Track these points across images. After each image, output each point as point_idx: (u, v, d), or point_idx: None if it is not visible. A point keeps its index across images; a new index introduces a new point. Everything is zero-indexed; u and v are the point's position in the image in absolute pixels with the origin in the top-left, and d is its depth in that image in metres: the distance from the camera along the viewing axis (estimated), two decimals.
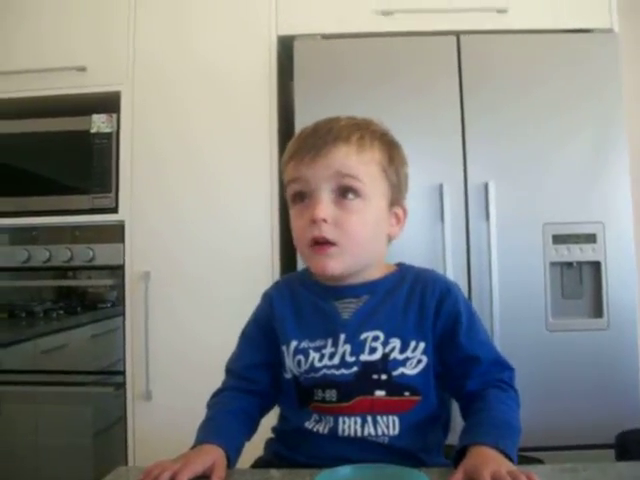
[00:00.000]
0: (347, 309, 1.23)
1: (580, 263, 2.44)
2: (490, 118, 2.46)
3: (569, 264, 2.44)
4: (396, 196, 1.24)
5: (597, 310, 2.43)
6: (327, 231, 1.16)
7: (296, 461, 1.18)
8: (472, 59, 2.48)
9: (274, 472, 1.09)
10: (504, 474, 0.92)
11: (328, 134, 1.17)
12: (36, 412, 2.66)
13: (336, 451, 1.14)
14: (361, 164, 1.17)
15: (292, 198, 1.23)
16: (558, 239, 2.41)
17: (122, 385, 2.60)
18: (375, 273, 1.26)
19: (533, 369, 2.34)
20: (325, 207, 1.15)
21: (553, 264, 2.43)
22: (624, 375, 2.37)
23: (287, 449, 1.24)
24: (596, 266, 2.43)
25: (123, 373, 2.60)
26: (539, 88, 2.46)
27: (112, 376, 2.64)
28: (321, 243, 1.17)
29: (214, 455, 1.07)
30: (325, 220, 1.15)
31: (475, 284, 2.39)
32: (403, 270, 1.30)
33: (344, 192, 1.17)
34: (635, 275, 2.42)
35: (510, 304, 2.38)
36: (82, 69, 2.66)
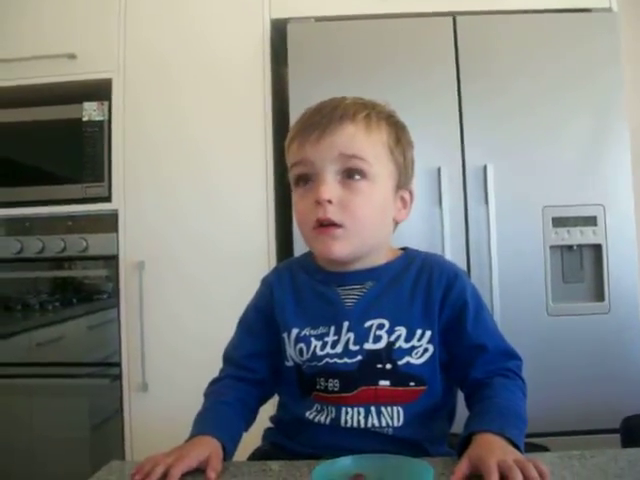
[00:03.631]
0: (350, 296, 1.20)
1: (580, 246, 2.41)
2: (488, 100, 2.43)
3: (569, 247, 2.41)
4: (402, 179, 1.21)
5: (598, 294, 2.41)
6: (332, 212, 1.12)
7: (295, 451, 1.15)
8: (469, 40, 2.45)
9: (271, 464, 1.06)
10: (511, 463, 0.88)
11: (333, 112, 1.14)
12: (32, 405, 2.64)
13: (337, 441, 1.11)
14: (368, 144, 1.14)
15: (295, 181, 1.19)
16: (558, 222, 2.39)
17: (118, 377, 2.58)
18: (380, 258, 1.23)
19: (534, 354, 2.30)
20: (330, 188, 1.12)
21: (553, 247, 2.40)
22: (626, 359, 2.34)
23: (286, 438, 1.21)
24: (597, 249, 2.41)
25: (119, 365, 2.58)
26: (538, 69, 2.43)
27: (108, 368, 2.62)
28: (326, 225, 1.13)
29: (209, 448, 1.04)
30: (330, 201, 1.11)
31: (474, 268, 2.36)
32: (409, 255, 1.27)
33: (350, 173, 1.14)
34: (636, 258, 2.39)
35: (510, 289, 2.35)
36: (72, 56, 2.62)
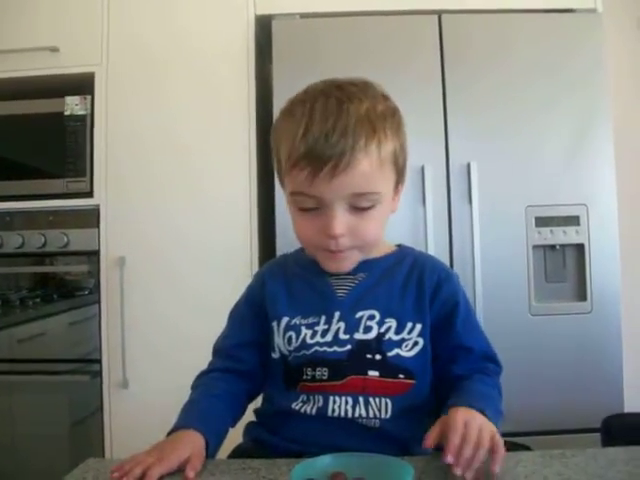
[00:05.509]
0: (342, 287, 1.20)
1: (563, 246, 2.42)
2: (472, 99, 2.42)
3: (552, 247, 2.42)
4: (400, 176, 1.19)
5: (580, 293, 2.41)
6: (344, 243, 1.11)
7: (277, 447, 1.14)
8: (454, 39, 2.44)
9: (251, 462, 1.05)
10: (474, 426, 0.92)
11: (344, 139, 1.04)
12: (12, 402, 2.62)
13: (321, 435, 1.10)
14: (381, 176, 1.10)
15: (299, 209, 1.13)
16: (541, 221, 2.39)
17: (98, 374, 2.56)
18: (373, 252, 1.22)
19: (516, 353, 2.31)
20: (341, 222, 1.08)
21: (536, 247, 2.40)
22: (608, 358, 2.36)
23: (268, 433, 1.19)
24: (579, 249, 2.41)
25: (99, 361, 2.56)
26: (522, 69, 2.43)
27: (88, 364, 2.60)
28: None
29: (191, 447, 1.03)
30: (343, 235, 1.10)
31: (457, 267, 2.36)
32: (403, 251, 1.28)
33: (361, 203, 1.10)
34: (618, 257, 2.40)
35: (493, 288, 2.35)
36: (55, 50, 2.60)
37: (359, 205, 1.09)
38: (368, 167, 1.06)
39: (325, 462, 0.90)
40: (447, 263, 2.35)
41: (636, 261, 2.62)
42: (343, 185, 1.06)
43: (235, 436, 1.22)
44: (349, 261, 1.16)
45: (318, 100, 1.09)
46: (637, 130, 2.78)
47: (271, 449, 1.14)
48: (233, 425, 1.21)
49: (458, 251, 2.38)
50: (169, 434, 1.08)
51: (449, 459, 0.88)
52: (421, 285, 1.20)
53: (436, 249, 2.33)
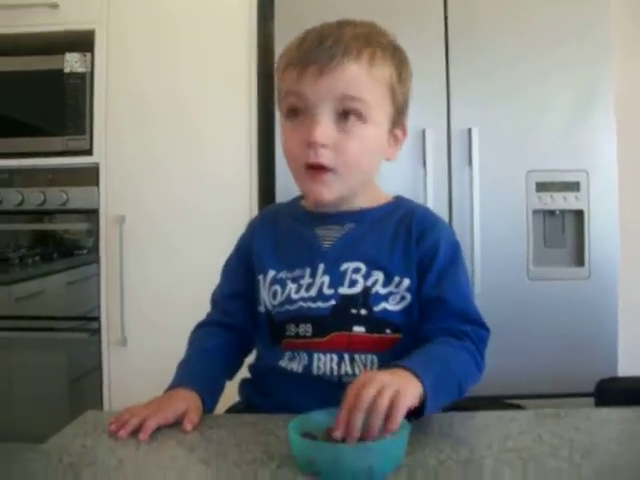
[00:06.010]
0: (329, 237, 1.17)
1: (563, 211, 2.42)
2: (475, 63, 2.40)
3: (552, 212, 2.42)
4: (399, 116, 1.17)
5: (578, 259, 2.42)
6: (325, 156, 1.08)
7: (268, 411, 1.12)
8: (458, 9, 2.41)
9: (248, 417, 1.06)
10: (371, 390, 0.84)
11: (336, 46, 1.06)
12: (11, 359, 2.63)
13: (309, 397, 1.06)
14: (369, 86, 1.09)
15: (287, 112, 1.13)
16: (541, 187, 2.39)
17: (97, 331, 2.57)
18: (366, 201, 1.19)
19: (514, 317, 2.33)
20: (325, 130, 1.07)
21: (536, 212, 2.40)
22: (603, 324, 2.37)
23: (259, 396, 1.19)
24: (579, 215, 2.41)
25: (98, 319, 2.57)
26: (525, 33, 2.40)
27: (87, 322, 2.62)
28: (316, 168, 1.10)
29: (188, 401, 1.04)
30: (323, 145, 1.07)
31: (457, 231, 2.28)
32: (398, 203, 1.24)
33: (346, 114, 1.09)
34: (617, 225, 2.40)
35: (492, 252, 2.36)
36: (54, 6, 2.57)
37: (345, 108, 1.08)
38: (356, 71, 1.07)
39: (320, 417, 0.90)
40: (454, 231, 2.34)
41: (635, 229, 2.62)
42: (329, 84, 1.06)
43: (231, 391, 1.23)
44: (330, 188, 1.11)
45: (319, 25, 1.13)
46: (638, 97, 2.76)
47: (263, 412, 1.13)
48: (230, 378, 1.22)
49: (457, 214, 2.38)
50: (166, 392, 1.09)
51: (336, 434, 0.82)
52: (409, 237, 1.15)
53: (435, 212, 2.32)
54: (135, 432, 0.96)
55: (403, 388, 0.86)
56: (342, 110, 1.08)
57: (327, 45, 1.06)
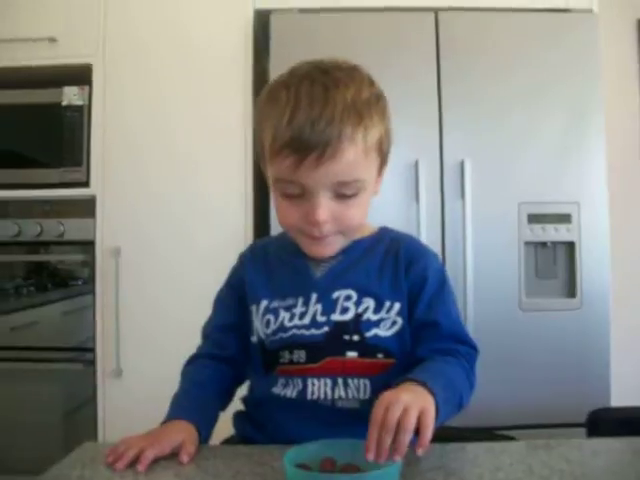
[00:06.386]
0: (320, 267, 1.20)
1: (554, 243, 2.45)
2: (467, 96, 2.44)
3: (543, 244, 2.44)
4: (384, 159, 1.18)
5: (570, 290, 2.44)
6: (328, 229, 1.10)
7: (261, 444, 1.13)
8: (450, 37, 2.46)
9: (243, 448, 1.08)
10: (397, 408, 0.88)
11: (330, 128, 1.02)
12: (5, 389, 2.63)
13: (303, 425, 1.10)
14: (365, 163, 1.09)
15: (283, 195, 1.12)
16: (533, 218, 2.41)
17: (92, 362, 2.58)
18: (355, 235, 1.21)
19: (506, 348, 2.35)
20: (325, 209, 1.08)
21: (527, 243, 2.43)
22: (596, 355, 2.38)
23: (253, 428, 1.20)
24: (570, 246, 2.44)
25: (93, 350, 2.57)
26: (517, 67, 2.45)
27: (82, 353, 2.62)
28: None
29: (184, 433, 1.05)
30: (326, 221, 1.09)
31: (449, 262, 2.38)
32: (383, 233, 1.27)
33: (345, 190, 1.09)
34: (608, 255, 2.43)
35: (484, 283, 2.38)
36: (53, 40, 2.61)
37: (343, 192, 1.08)
38: (353, 156, 1.05)
39: (315, 448, 0.92)
40: (440, 258, 2.36)
41: (625, 260, 2.65)
42: (328, 173, 1.05)
43: (224, 425, 1.24)
44: (332, 246, 1.16)
45: (303, 85, 1.07)
46: (628, 130, 2.81)
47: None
48: (223, 409, 1.23)
49: (450, 247, 2.41)
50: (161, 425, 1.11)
51: (369, 456, 0.86)
52: (397, 264, 1.19)
53: (428, 244, 2.29)
54: (132, 464, 0.97)
55: (425, 404, 0.90)
56: (341, 191, 1.08)
57: (320, 128, 1.02)
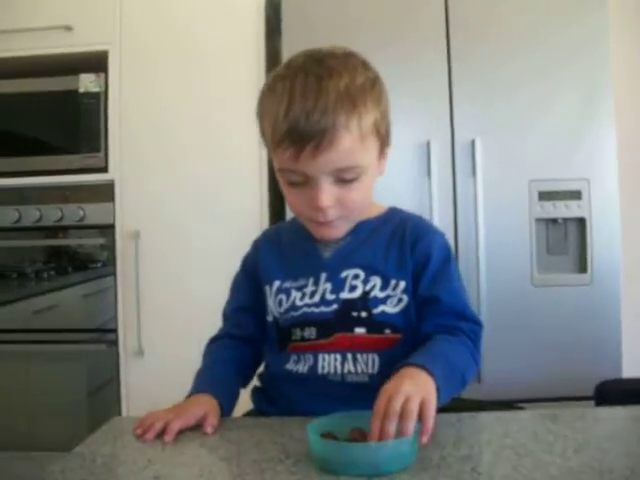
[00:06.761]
0: (329, 248, 1.25)
1: (565, 219, 2.47)
2: (477, 76, 2.46)
3: (554, 220, 2.47)
4: (384, 141, 1.20)
5: (581, 266, 2.47)
6: (332, 214, 1.15)
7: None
8: (460, 15, 2.47)
9: (264, 420, 1.14)
10: (399, 397, 0.90)
11: (324, 118, 1.06)
12: (30, 371, 2.70)
13: (314, 394, 1.15)
14: (362, 149, 1.12)
15: (287, 184, 1.17)
16: (544, 196, 2.44)
17: (114, 342, 2.64)
18: (362, 215, 1.25)
19: (518, 323, 2.39)
20: (328, 194, 1.12)
21: (538, 220, 2.46)
22: (606, 329, 2.41)
23: (267, 402, 1.25)
24: (581, 222, 2.46)
25: (115, 331, 2.64)
26: (527, 46, 2.46)
27: (104, 334, 2.68)
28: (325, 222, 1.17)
29: (207, 405, 1.11)
30: (329, 206, 1.13)
31: (461, 240, 2.42)
32: (391, 213, 1.31)
33: (345, 176, 1.13)
34: (618, 231, 2.45)
35: (496, 260, 2.41)
36: (69, 28, 2.66)
37: (344, 177, 1.12)
38: (350, 143, 1.08)
39: (337, 420, 0.96)
40: (451, 236, 2.40)
41: (636, 236, 2.67)
42: (326, 161, 1.08)
43: (243, 400, 1.28)
44: (339, 229, 1.20)
45: (298, 76, 1.10)
46: (639, 107, 2.82)
47: None
48: (244, 386, 1.29)
49: (462, 224, 2.44)
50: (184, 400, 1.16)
51: (373, 446, 0.88)
52: (403, 243, 1.23)
53: (441, 223, 2.37)
54: (160, 435, 1.03)
55: (426, 393, 0.93)
56: (341, 175, 1.11)
57: (315, 119, 1.05)
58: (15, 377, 2.69)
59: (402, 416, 0.89)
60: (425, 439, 0.89)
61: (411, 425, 0.88)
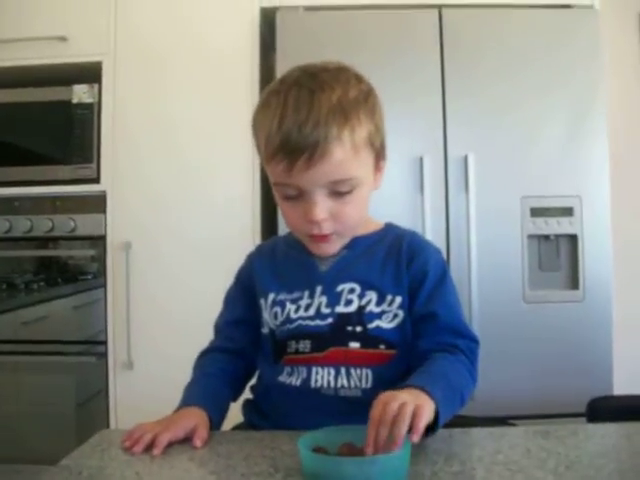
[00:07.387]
0: (325, 261, 1.24)
1: (557, 236, 2.48)
2: (471, 92, 2.48)
3: (546, 237, 2.48)
4: (379, 154, 1.20)
5: (573, 282, 2.48)
6: (326, 227, 1.14)
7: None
8: (454, 34, 2.49)
9: (254, 433, 1.13)
10: (394, 405, 0.90)
11: (317, 130, 1.06)
12: (18, 382, 2.68)
13: (306, 408, 1.14)
14: (355, 161, 1.11)
15: (282, 197, 1.17)
16: (536, 212, 2.45)
17: (104, 355, 2.62)
18: (359, 231, 1.25)
19: (510, 339, 2.39)
20: (322, 208, 1.12)
21: (530, 236, 2.47)
22: (598, 346, 2.42)
23: (258, 416, 1.25)
24: (573, 239, 2.47)
25: (105, 343, 2.62)
26: (520, 63, 2.49)
27: (94, 346, 2.66)
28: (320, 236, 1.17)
29: (196, 419, 1.09)
30: (324, 219, 1.13)
31: (454, 256, 2.42)
32: (388, 229, 1.31)
33: (339, 188, 1.13)
34: (610, 248, 2.46)
35: (488, 276, 2.42)
36: (63, 39, 2.65)
37: (338, 190, 1.12)
38: (342, 155, 1.08)
39: (327, 434, 0.95)
40: (444, 251, 2.39)
41: (627, 252, 2.69)
42: (320, 174, 1.08)
43: (234, 413, 1.28)
44: (334, 245, 1.20)
45: (291, 90, 1.10)
46: (631, 124, 2.84)
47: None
48: (234, 400, 1.28)
49: (455, 240, 2.44)
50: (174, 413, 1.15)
51: (368, 451, 0.88)
52: (399, 259, 1.22)
53: (433, 238, 2.37)
54: (148, 448, 1.02)
55: (421, 404, 0.92)
56: (335, 189, 1.11)
57: (307, 131, 1.06)
58: (3, 388, 2.66)
59: (395, 419, 0.88)
60: (415, 438, 0.88)
61: (403, 430, 0.87)
